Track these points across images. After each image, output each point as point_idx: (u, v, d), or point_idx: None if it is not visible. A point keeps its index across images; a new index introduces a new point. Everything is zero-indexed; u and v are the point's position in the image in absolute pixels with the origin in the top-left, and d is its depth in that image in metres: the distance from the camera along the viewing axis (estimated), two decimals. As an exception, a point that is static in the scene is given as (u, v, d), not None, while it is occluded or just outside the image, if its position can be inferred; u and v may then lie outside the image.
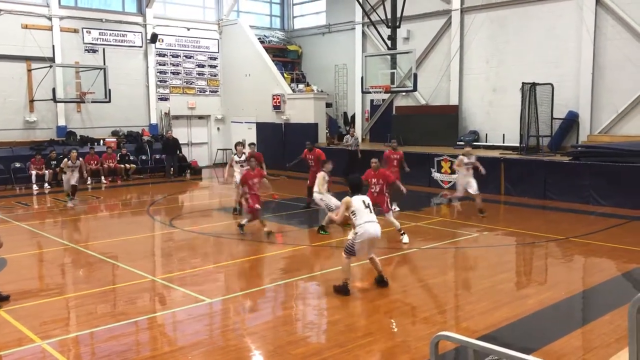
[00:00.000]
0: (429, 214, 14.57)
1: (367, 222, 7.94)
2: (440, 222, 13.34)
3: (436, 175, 18.47)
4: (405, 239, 11.13)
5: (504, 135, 19.69)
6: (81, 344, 6.53)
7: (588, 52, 17.77)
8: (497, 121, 20.21)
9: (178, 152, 22.84)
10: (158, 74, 24.65)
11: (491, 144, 19.84)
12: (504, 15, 19.94)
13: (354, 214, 7.99)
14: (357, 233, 7.96)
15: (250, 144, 16.84)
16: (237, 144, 15.30)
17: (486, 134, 20.55)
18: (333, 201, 12.24)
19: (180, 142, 23.65)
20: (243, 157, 14.40)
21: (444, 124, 21.05)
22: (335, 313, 7.39)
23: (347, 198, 8.13)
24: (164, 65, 24.88)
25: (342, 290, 7.97)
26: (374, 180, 11.30)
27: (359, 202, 8.06)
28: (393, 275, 9.01)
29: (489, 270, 9.29)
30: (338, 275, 8.94)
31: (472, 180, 13.93)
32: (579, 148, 16.49)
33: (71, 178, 15.95)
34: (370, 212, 8.09)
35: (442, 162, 18.35)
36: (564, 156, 16.63)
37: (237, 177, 13.94)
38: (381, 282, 8.33)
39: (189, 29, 25.53)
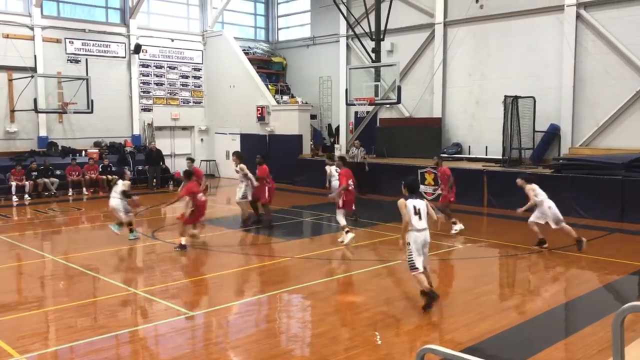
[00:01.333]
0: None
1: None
2: (424, 234, 13.34)
3: (420, 187, 18.51)
4: (346, 238, 11.90)
5: (486, 147, 19.84)
6: (60, 358, 6.41)
7: (569, 66, 18.02)
8: (480, 133, 20.38)
9: (161, 164, 22.67)
10: (141, 85, 24.52)
11: (474, 156, 19.98)
12: (486, 29, 20.17)
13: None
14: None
15: (188, 160, 15.60)
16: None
17: (469, 146, 20.70)
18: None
19: (164, 153, 23.49)
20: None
21: (428, 136, 21.16)
22: (319, 326, 7.34)
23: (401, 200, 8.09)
24: (148, 76, 24.76)
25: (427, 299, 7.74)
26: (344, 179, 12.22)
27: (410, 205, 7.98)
28: (378, 288, 8.99)
29: (473, 282, 9.31)
30: (321, 287, 8.93)
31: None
32: (561, 160, 16.66)
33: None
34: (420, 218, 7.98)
35: (425, 174, 18.44)
36: (546, 169, 16.79)
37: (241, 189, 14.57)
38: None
39: (173, 40, 25.47)
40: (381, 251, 11.80)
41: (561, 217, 11.23)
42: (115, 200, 12.37)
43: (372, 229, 13.84)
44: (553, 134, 18.38)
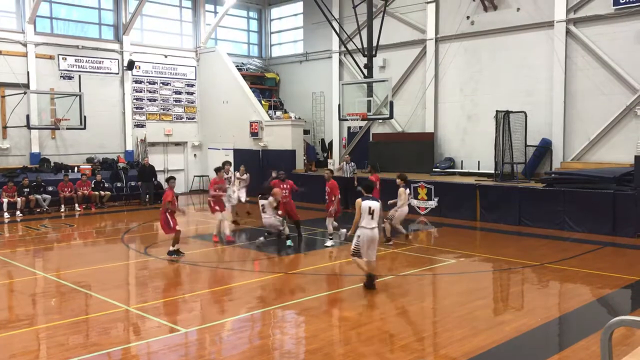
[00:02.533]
0: (406, 240, 14.58)
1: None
2: (418, 249, 13.38)
3: (413, 201, 18.55)
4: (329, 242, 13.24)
5: (479, 162, 19.95)
6: (52, 376, 6.35)
7: (559, 81, 18.20)
8: (472, 148, 20.50)
9: (154, 180, 22.63)
10: (134, 101, 24.55)
11: (467, 170, 20.08)
12: (477, 45, 20.38)
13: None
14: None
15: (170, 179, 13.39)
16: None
17: (462, 161, 20.80)
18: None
19: (157, 169, 23.43)
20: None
21: (420, 151, 21.27)
22: (313, 342, 7.32)
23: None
24: (141, 92, 24.80)
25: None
26: (327, 190, 13.56)
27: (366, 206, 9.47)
28: (371, 303, 8.97)
29: (466, 297, 9.31)
30: (315, 303, 8.92)
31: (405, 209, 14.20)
32: (553, 175, 16.77)
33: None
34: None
35: (418, 189, 18.49)
36: (538, 183, 16.89)
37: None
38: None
39: (166, 56, 25.56)
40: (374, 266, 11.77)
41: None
42: None
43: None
44: (545, 148, 18.51)
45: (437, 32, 21.35)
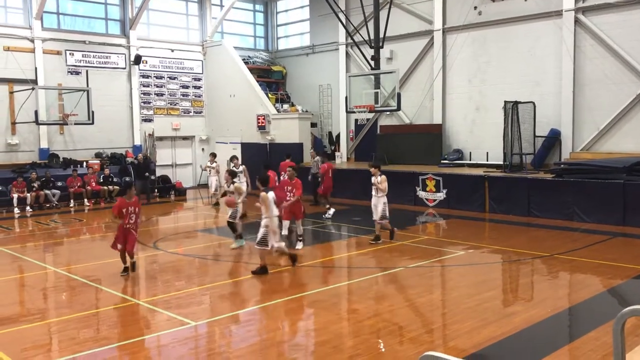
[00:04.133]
0: (414, 232, 14.57)
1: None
2: (426, 241, 13.35)
3: (421, 193, 18.53)
4: (299, 245, 12.24)
5: (487, 153, 19.85)
6: (63, 370, 6.40)
7: (568, 70, 18.05)
8: (480, 139, 20.39)
9: (148, 175, 21.49)
10: (142, 96, 24.59)
11: (475, 162, 19.99)
12: (485, 35, 20.23)
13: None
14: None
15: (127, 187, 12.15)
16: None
17: (470, 152, 20.71)
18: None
19: (165, 163, 23.43)
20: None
21: (428, 142, 21.19)
22: (322, 334, 7.32)
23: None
24: (148, 86, 24.84)
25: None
26: (288, 188, 12.33)
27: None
28: (379, 295, 8.96)
29: (475, 289, 9.28)
30: (324, 296, 8.92)
31: (378, 205, 12.81)
32: (562, 165, 16.67)
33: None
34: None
35: (427, 181, 18.44)
36: (547, 173, 16.79)
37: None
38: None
39: (172, 51, 25.57)
40: (383, 258, 11.78)
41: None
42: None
43: (374, 236, 13.78)
44: (554, 138, 18.39)
45: (444, 22, 21.21)
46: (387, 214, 12.89)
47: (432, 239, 13.80)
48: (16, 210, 18.72)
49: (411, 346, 6.82)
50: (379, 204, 12.77)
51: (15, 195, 18.91)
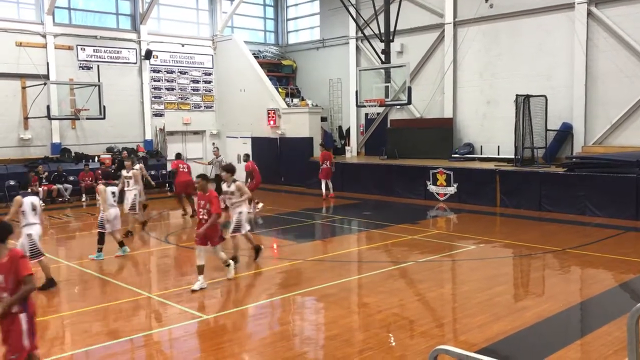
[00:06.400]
0: (425, 226, 14.56)
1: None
2: (437, 235, 13.33)
3: (432, 187, 18.49)
4: (230, 272, 9.55)
5: (498, 147, 19.75)
6: (76, 362, 6.47)
7: (580, 64, 17.89)
8: (491, 133, 20.28)
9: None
10: (153, 90, 24.68)
11: (486, 156, 19.90)
12: (496, 28, 20.09)
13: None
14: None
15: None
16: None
17: (481, 146, 20.61)
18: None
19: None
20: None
21: (439, 136, 21.12)
22: (332, 328, 7.34)
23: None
24: (159, 81, 24.92)
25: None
26: (201, 203, 9.24)
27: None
28: (390, 289, 8.97)
29: (486, 283, 9.27)
30: (334, 290, 8.94)
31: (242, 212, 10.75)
32: (574, 159, 16.56)
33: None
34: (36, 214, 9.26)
35: (437, 175, 18.38)
36: (558, 167, 16.68)
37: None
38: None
39: (183, 45, 25.62)
40: (393, 253, 11.78)
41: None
42: None
43: (383, 230, 13.82)
44: (565, 132, 18.26)
45: (455, 15, 21.08)
46: (244, 225, 10.68)
47: (443, 233, 13.77)
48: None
49: (421, 340, 6.83)
50: (234, 215, 10.65)
51: (28, 190, 19.01)
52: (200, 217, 9.20)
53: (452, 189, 18.05)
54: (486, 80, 20.51)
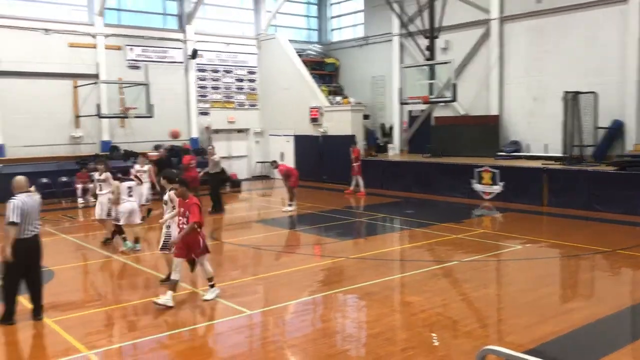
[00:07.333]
0: (469, 225, 14.35)
1: None
2: (482, 234, 13.11)
3: (477, 186, 18.21)
4: (209, 294, 8.42)
5: (546, 145, 19.29)
6: (125, 354, 6.64)
7: (633, 59, 17.28)
8: (538, 131, 19.82)
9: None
10: (198, 89, 25.09)
11: (533, 154, 19.46)
12: (543, 23, 19.62)
13: None
14: None
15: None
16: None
17: (528, 144, 20.17)
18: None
19: (221, 155, 23.68)
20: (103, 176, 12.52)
21: (484, 134, 20.78)
22: (375, 326, 7.33)
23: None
24: (204, 80, 25.31)
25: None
26: (181, 210, 8.42)
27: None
28: (433, 289, 8.88)
29: (533, 284, 9.07)
30: (377, 289, 8.91)
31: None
32: (625, 157, 16.03)
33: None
34: None
35: (482, 173, 18.09)
36: (609, 166, 16.18)
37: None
38: None
39: (228, 44, 25.95)
40: (437, 252, 11.66)
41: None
42: None
43: (426, 229, 13.69)
44: (616, 130, 17.69)
45: (501, 11, 20.69)
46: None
47: (488, 232, 13.55)
48: (80, 200, 19.45)
49: (465, 340, 6.74)
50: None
51: (79, 186, 19.66)
52: (180, 225, 8.33)
53: (497, 188, 17.73)
54: (533, 76, 20.05)
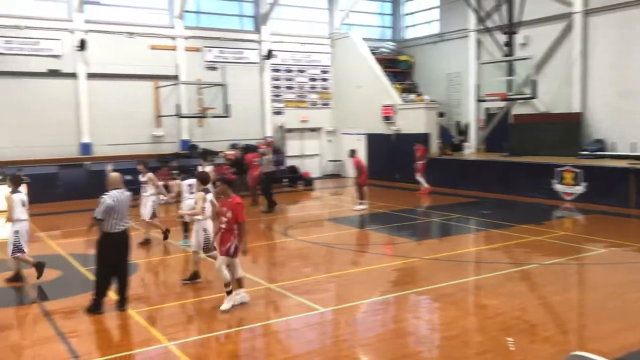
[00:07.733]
0: (550, 227, 13.80)
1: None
2: (563, 237, 12.58)
3: (558, 186, 17.50)
4: (225, 304, 7.89)
5: (633, 144, 18.27)
6: (202, 346, 6.85)
7: None
8: (625, 129, 18.79)
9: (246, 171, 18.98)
10: (273, 89, 25.49)
11: (619, 153, 18.47)
12: (630, 15, 18.57)
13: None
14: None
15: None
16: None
17: (613, 143, 19.17)
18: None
19: (293, 154, 23.96)
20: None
21: (566, 132, 19.92)
22: (449, 328, 7.20)
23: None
24: (278, 80, 25.68)
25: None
26: (223, 210, 8.09)
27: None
28: (511, 292, 8.60)
29: (620, 289, 8.62)
30: (452, 290, 8.75)
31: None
32: None
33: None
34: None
35: (564, 173, 17.37)
36: None
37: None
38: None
39: (302, 44, 26.21)
40: (515, 254, 11.30)
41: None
42: None
43: (506, 230, 13.28)
44: None
45: (585, 4, 19.77)
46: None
47: (570, 235, 12.98)
48: (161, 197, 20.14)
49: (544, 346, 6.50)
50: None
51: (161, 183, 20.34)
52: (221, 225, 8.01)
53: (580, 188, 16.97)
54: (619, 71, 19.03)
